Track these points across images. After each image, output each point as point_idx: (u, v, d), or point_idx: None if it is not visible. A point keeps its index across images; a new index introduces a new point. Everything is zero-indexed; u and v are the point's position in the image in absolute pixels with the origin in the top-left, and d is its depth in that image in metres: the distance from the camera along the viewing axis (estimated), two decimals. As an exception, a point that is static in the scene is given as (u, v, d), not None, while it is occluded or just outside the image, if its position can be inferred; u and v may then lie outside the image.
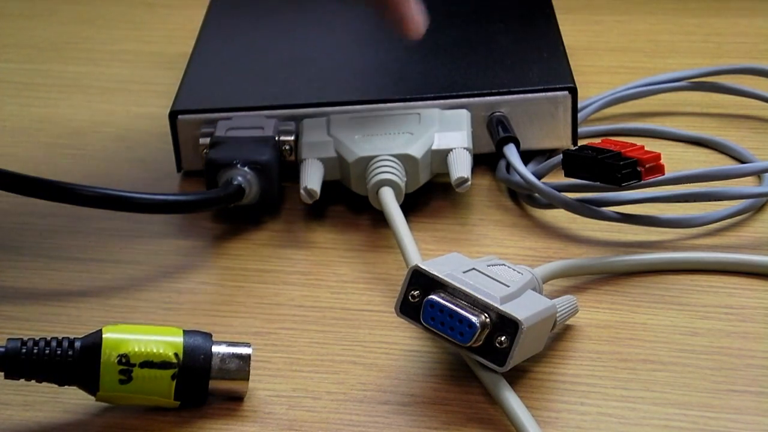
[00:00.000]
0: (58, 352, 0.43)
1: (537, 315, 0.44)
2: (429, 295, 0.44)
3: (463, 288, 0.44)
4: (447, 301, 0.44)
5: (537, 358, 0.46)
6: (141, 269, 0.53)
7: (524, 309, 0.43)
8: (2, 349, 0.43)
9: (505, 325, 0.43)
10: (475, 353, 0.44)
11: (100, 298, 0.51)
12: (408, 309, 0.45)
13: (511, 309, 0.43)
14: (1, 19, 0.79)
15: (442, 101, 0.58)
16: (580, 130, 0.60)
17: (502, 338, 0.43)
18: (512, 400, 0.43)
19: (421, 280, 0.44)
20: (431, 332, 0.44)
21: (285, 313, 0.50)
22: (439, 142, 0.55)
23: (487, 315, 0.43)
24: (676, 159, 0.59)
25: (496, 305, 0.43)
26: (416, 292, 0.44)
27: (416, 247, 0.51)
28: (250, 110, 0.58)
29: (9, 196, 0.51)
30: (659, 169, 0.51)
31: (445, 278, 0.44)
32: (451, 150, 0.55)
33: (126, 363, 0.43)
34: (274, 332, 0.49)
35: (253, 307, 0.50)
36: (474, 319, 0.43)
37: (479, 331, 0.43)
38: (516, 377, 0.45)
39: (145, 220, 0.56)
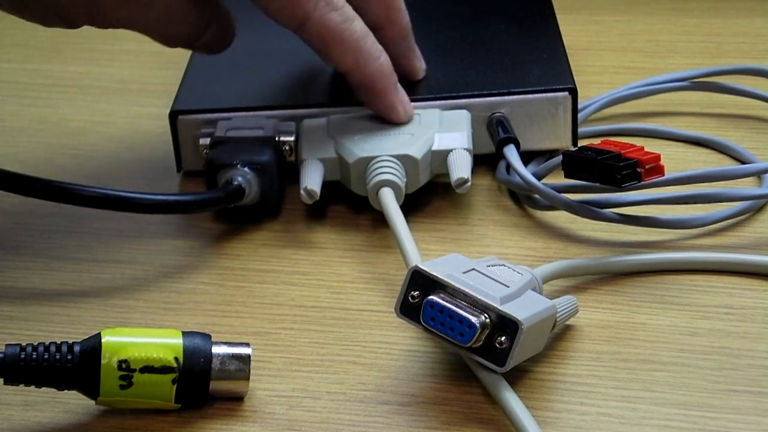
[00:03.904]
0: (58, 357, 0.42)
1: (537, 315, 0.44)
2: (429, 295, 0.44)
3: (463, 288, 0.44)
4: (447, 301, 0.44)
5: (537, 358, 0.46)
6: (141, 269, 0.53)
7: (524, 309, 0.43)
8: (1, 355, 0.43)
9: (505, 325, 0.43)
10: (475, 354, 0.44)
11: (100, 298, 0.51)
12: (408, 309, 0.45)
13: (511, 309, 0.43)
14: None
15: (442, 102, 0.58)
16: (580, 130, 0.60)
17: (502, 338, 0.43)
18: (512, 400, 0.43)
19: (421, 281, 0.44)
20: (431, 333, 0.44)
21: (285, 313, 0.50)
22: (439, 142, 0.55)
23: (487, 315, 0.43)
24: (676, 159, 0.59)
25: (496, 305, 0.43)
26: (416, 293, 0.44)
27: (416, 247, 0.51)
28: (250, 110, 0.58)
29: (9, 196, 0.51)
30: (659, 170, 0.51)
31: (445, 279, 0.44)
32: (451, 151, 0.55)
33: (126, 368, 0.42)
34: (274, 332, 0.49)
35: (253, 307, 0.50)
36: (474, 319, 0.43)
37: (479, 331, 0.43)
38: (516, 377, 0.45)
39: (145, 220, 0.56)
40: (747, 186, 0.56)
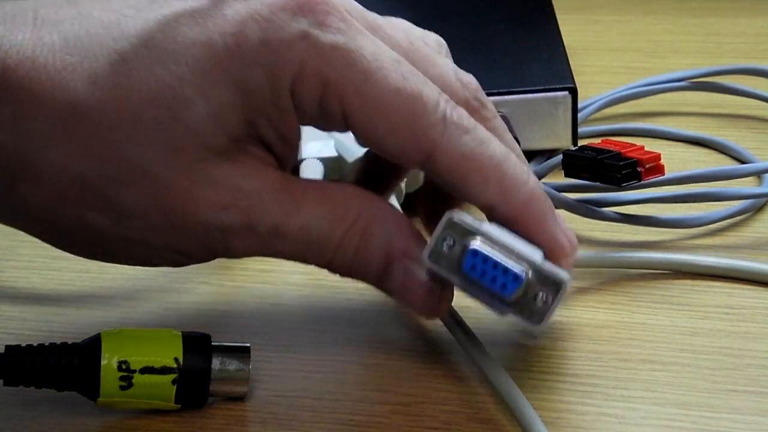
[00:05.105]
0: (57, 358, 0.42)
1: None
2: (470, 244, 0.41)
3: (505, 241, 0.41)
4: (490, 252, 0.41)
5: (537, 358, 0.46)
6: (141, 269, 0.53)
7: (560, 269, 0.41)
8: (1, 356, 0.43)
9: (545, 282, 0.41)
10: (510, 309, 0.41)
11: (100, 298, 0.51)
12: (439, 258, 0.42)
13: (551, 267, 0.41)
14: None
15: (442, 101, 0.58)
16: (580, 130, 0.60)
17: (543, 295, 0.41)
18: (518, 399, 0.42)
19: (457, 231, 0.42)
20: (467, 283, 0.41)
21: (285, 313, 0.50)
22: (439, 142, 0.55)
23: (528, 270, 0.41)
24: (676, 159, 0.59)
25: (537, 262, 0.41)
26: (451, 242, 0.42)
27: (416, 247, 0.50)
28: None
29: (9, 196, 0.51)
30: (659, 169, 0.51)
31: (485, 230, 0.41)
32: (451, 150, 0.55)
33: (126, 369, 0.42)
34: (274, 332, 0.49)
35: (253, 307, 0.50)
36: (520, 270, 0.41)
37: (524, 283, 0.41)
38: (516, 377, 0.44)
39: (145, 220, 0.56)
40: (747, 186, 0.56)
